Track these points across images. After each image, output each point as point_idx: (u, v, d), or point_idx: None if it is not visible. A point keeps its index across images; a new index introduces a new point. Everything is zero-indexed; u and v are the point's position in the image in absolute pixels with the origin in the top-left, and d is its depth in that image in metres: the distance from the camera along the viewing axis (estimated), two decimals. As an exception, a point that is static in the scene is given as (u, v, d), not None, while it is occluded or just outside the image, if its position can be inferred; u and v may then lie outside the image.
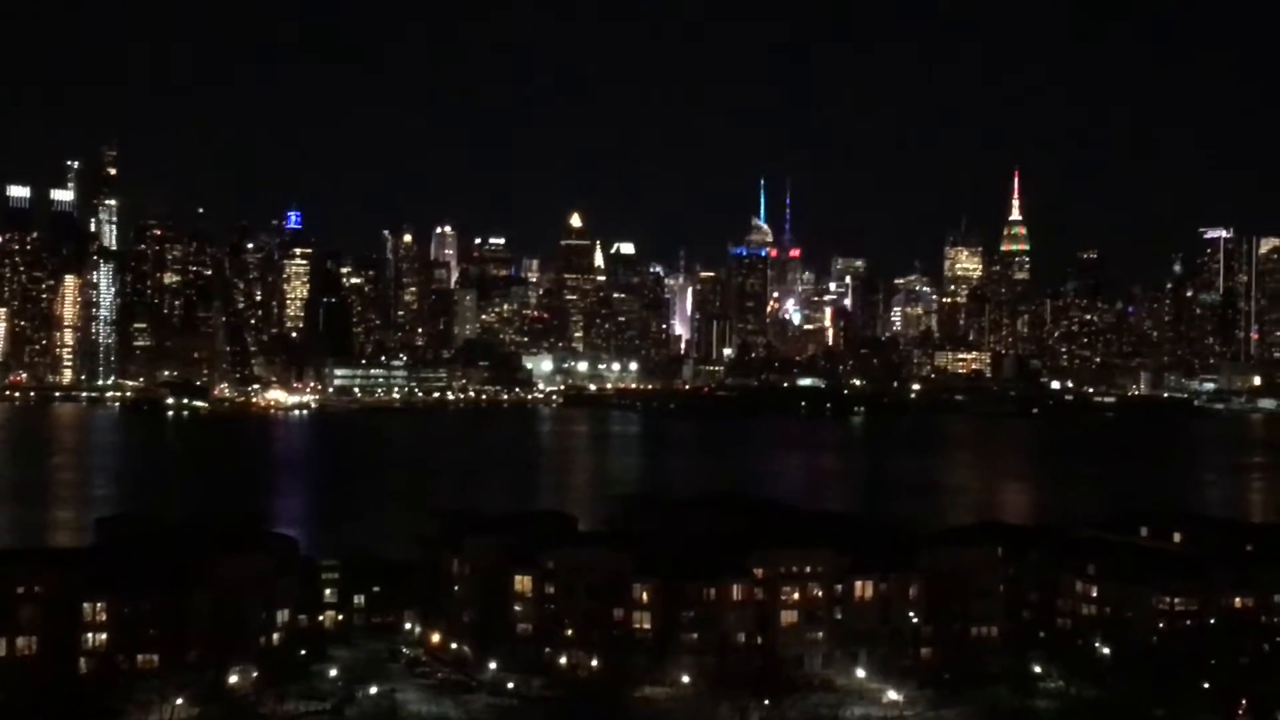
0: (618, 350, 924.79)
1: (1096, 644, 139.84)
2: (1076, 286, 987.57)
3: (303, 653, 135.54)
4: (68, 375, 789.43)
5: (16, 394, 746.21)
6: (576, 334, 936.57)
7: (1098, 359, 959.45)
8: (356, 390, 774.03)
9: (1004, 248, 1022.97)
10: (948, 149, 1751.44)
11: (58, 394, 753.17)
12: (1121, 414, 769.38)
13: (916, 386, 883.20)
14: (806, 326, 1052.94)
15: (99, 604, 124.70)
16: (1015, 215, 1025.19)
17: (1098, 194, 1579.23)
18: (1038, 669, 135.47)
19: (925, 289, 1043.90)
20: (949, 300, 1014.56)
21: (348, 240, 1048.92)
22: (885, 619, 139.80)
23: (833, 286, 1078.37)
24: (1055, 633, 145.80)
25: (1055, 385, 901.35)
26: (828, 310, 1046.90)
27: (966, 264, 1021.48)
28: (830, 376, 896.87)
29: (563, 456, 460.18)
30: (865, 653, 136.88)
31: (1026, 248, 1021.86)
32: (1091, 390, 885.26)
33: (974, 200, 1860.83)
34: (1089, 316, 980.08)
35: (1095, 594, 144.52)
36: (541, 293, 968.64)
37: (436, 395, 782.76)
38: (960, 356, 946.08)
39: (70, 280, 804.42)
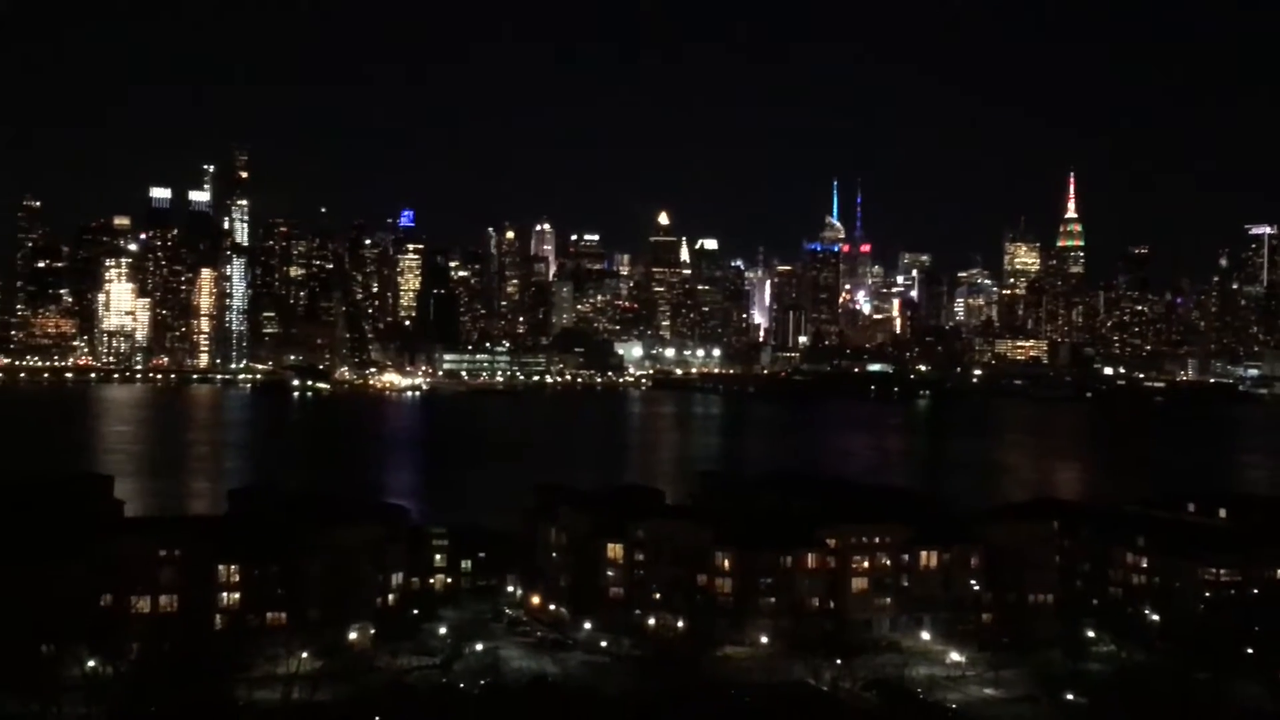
0: (702, 338, 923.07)
1: (1145, 612, 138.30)
2: (1128, 279, 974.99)
3: (414, 613, 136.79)
4: (204, 359, 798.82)
5: (158, 376, 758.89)
6: (664, 323, 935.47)
7: (1148, 347, 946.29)
8: (463, 374, 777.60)
9: (1060, 243, 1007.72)
10: (1009, 151, 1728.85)
11: (195, 376, 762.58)
12: (1170, 398, 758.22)
13: (978, 372, 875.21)
14: (876, 316, 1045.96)
15: (231, 566, 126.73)
16: (1071, 213, 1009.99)
17: (1148, 192, 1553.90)
18: (1090, 634, 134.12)
19: (986, 281, 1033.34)
20: (1008, 292, 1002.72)
21: (455, 237, 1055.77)
22: (948, 587, 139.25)
23: (900, 279, 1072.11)
24: (1107, 601, 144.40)
25: (1108, 371, 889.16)
26: (895, 301, 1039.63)
27: (1025, 258, 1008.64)
28: (897, 363, 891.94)
29: (650, 435, 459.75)
30: (929, 617, 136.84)
31: (1081, 243, 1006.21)
32: (1142, 376, 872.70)
33: (1031, 200, 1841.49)
34: (1140, 307, 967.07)
35: (1144, 566, 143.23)
36: (632, 285, 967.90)
37: (536, 379, 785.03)
38: (1019, 344, 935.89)
39: (206, 273, 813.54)
